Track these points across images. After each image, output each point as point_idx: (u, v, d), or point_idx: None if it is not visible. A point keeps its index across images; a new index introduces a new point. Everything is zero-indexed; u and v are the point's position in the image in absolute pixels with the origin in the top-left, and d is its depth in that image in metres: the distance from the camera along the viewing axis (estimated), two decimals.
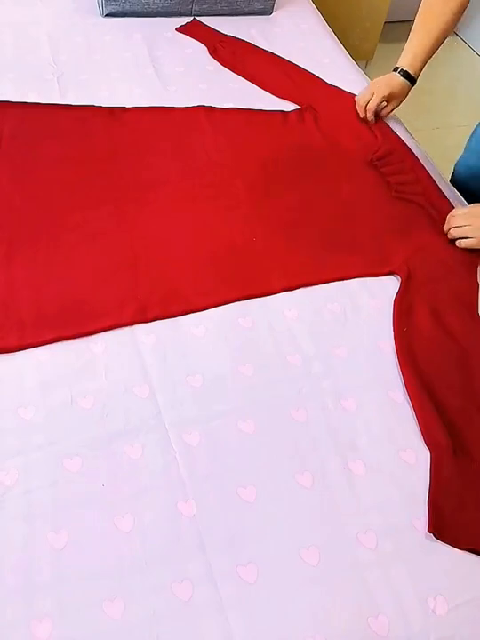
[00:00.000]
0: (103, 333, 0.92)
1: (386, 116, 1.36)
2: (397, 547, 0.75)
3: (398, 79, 1.30)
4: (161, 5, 1.66)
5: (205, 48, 1.59)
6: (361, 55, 2.35)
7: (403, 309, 1.00)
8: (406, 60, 1.29)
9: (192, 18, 1.69)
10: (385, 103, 1.34)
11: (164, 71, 1.49)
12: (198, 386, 0.88)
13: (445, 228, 1.11)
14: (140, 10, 1.66)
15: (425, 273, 1.05)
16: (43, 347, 0.89)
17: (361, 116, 1.34)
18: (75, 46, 1.54)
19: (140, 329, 0.94)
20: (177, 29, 1.64)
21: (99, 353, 0.90)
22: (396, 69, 1.31)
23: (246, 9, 1.73)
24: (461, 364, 0.93)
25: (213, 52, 1.56)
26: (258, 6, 1.73)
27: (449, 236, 1.10)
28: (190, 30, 1.64)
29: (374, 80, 1.36)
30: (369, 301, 1.02)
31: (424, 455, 0.83)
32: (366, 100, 1.33)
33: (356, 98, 1.38)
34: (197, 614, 0.68)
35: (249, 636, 0.67)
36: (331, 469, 0.81)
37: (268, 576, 0.71)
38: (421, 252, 1.08)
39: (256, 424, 0.84)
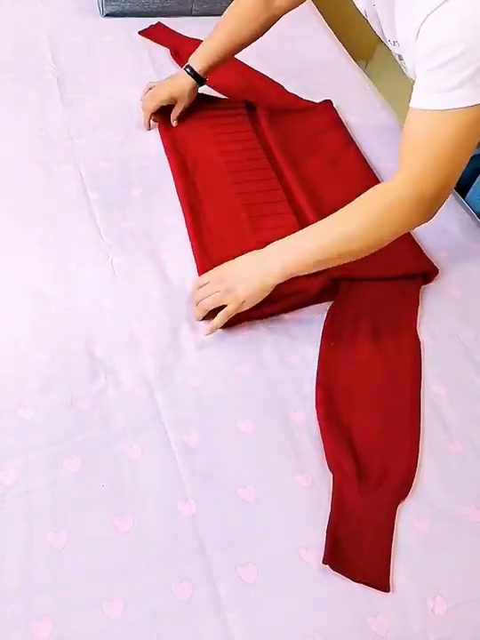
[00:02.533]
0: (103, 334, 0.92)
1: (174, 119, 1.29)
2: (396, 546, 0.75)
3: (184, 80, 1.24)
4: (161, 5, 1.66)
5: None
6: (361, 55, 2.35)
7: (336, 322, 0.97)
8: (198, 57, 1.22)
9: (192, 17, 1.69)
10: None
11: (164, 71, 1.49)
12: (198, 386, 0.88)
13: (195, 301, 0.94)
14: (140, 10, 1.66)
15: (367, 292, 1.01)
16: (42, 347, 0.90)
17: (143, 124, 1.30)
18: (75, 46, 1.54)
19: (140, 329, 0.94)
20: (139, 33, 1.60)
21: (98, 353, 0.90)
22: (186, 66, 1.24)
23: None
24: (389, 388, 0.89)
25: (174, 55, 1.53)
26: None
27: (200, 314, 0.93)
28: (153, 34, 1.61)
29: (159, 82, 1.30)
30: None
31: (423, 455, 0.83)
32: (148, 107, 1.28)
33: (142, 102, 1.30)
34: (197, 614, 0.68)
35: (248, 636, 0.67)
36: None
37: (268, 576, 0.71)
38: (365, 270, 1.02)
39: (255, 424, 0.84)
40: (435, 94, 0.77)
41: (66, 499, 0.75)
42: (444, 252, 1.13)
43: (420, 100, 0.79)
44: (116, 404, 0.85)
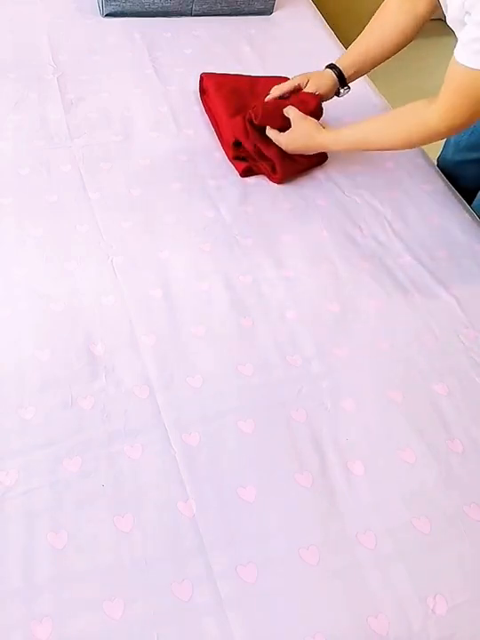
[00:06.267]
0: (103, 334, 0.92)
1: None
2: (397, 546, 0.75)
3: (326, 72, 1.23)
4: (161, 5, 1.66)
5: (205, 48, 1.59)
6: None
7: None
8: (341, 59, 1.23)
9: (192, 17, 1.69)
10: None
11: (164, 71, 1.49)
12: (198, 386, 0.88)
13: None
14: (140, 10, 1.66)
15: None
16: (43, 347, 0.90)
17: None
18: (75, 46, 1.54)
19: (141, 328, 0.94)
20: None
21: (98, 353, 0.90)
22: (333, 67, 1.22)
23: (246, 9, 1.73)
24: None
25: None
26: (258, 6, 1.73)
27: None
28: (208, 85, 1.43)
29: (310, 74, 1.25)
30: (368, 301, 1.03)
31: (423, 455, 0.84)
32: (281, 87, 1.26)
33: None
34: (197, 614, 0.68)
35: (249, 636, 0.67)
36: (330, 469, 0.81)
37: (268, 576, 0.71)
38: None
39: (256, 424, 0.84)
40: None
41: (66, 499, 0.75)
42: (443, 252, 1.13)
43: (469, 58, 0.89)
44: (116, 404, 0.85)
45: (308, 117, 1.18)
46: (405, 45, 1.19)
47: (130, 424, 0.83)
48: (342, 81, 1.23)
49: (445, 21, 1.00)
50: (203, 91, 1.41)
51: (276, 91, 1.26)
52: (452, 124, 0.98)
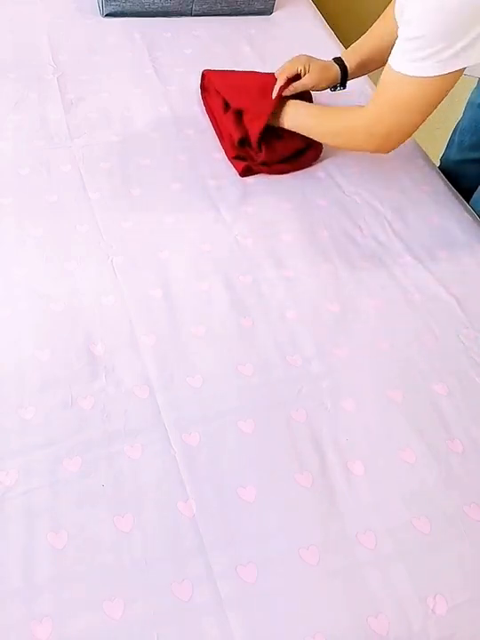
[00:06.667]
0: (103, 334, 0.92)
1: (291, 90, 1.22)
2: (397, 546, 0.75)
3: (331, 63, 1.22)
4: (161, 5, 1.66)
5: (205, 48, 1.59)
6: None
7: None
8: (347, 52, 1.23)
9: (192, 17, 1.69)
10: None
11: (164, 71, 1.50)
12: (198, 386, 0.88)
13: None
14: (140, 10, 1.66)
15: None
16: (43, 347, 0.90)
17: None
18: (75, 46, 1.54)
19: (141, 328, 0.94)
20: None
21: (98, 353, 0.90)
22: (339, 63, 1.21)
23: (246, 9, 1.73)
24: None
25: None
26: (258, 6, 1.73)
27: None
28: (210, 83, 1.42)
29: (314, 63, 1.22)
30: (368, 301, 1.03)
31: (423, 455, 0.84)
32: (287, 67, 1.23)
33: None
34: (197, 614, 0.68)
35: (249, 636, 0.67)
36: (330, 469, 0.81)
37: (268, 576, 0.71)
38: None
39: (256, 424, 0.84)
40: (408, 62, 0.89)
41: (66, 499, 0.75)
42: (444, 252, 1.13)
43: (398, 62, 0.91)
44: (116, 404, 0.85)
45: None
46: None
47: (130, 424, 0.83)
48: (343, 79, 1.23)
49: None
50: (204, 88, 1.41)
51: (281, 79, 1.22)
52: (372, 130, 0.97)
